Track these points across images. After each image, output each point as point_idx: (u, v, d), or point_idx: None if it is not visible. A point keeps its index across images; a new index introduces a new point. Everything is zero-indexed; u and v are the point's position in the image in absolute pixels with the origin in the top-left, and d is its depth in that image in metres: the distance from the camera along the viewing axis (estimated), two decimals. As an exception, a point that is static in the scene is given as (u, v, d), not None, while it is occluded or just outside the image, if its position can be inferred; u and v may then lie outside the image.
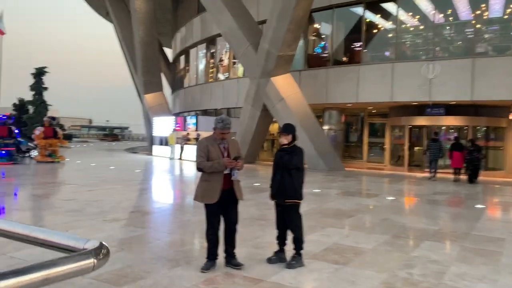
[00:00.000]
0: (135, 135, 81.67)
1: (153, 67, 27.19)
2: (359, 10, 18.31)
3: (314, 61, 20.03)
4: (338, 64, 19.03)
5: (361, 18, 18.25)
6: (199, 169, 4.38)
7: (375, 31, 18.58)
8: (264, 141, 21.21)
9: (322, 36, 20.40)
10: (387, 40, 18.47)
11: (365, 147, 21.03)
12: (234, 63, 24.30)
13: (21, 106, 40.90)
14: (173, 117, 23.77)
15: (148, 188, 11.63)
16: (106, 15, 34.84)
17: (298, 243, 4.55)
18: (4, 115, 17.52)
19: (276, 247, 4.69)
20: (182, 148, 21.82)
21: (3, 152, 17.10)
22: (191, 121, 21.66)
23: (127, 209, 7.77)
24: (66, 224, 6.21)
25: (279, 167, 4.59)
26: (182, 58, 30.70)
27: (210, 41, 25.71)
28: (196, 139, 22.20)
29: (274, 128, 21.60)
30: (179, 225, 6.79)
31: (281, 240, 4.66)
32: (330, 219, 7.13)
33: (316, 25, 20.34)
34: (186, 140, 21.82)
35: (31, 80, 39.23)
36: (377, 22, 18.54)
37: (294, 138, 4.65)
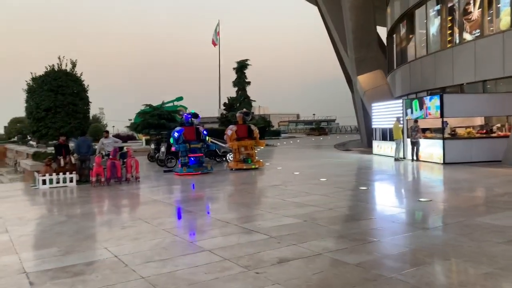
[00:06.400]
0: (343, 128, 77.71)
1: (368, 37, 20.96)
2: None
3: None
4: None
5: None
6: None
7: None
8: None
9: None
10: None
11: None
12: (491, 12, 16.06)
13: (230, 105, 40.23)
14: (401, 100, 17.05)
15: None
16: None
17: None
18: (189, 114, 14.08)
19: None
20: (415, 144, 15.07)
21: (192, 159, 13.68)
22: (431, 103, 14.60)
23: None
24: None
25: None
26: (402, 26, 23.45)
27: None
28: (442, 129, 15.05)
29: None
30: None
31: None
32: None
33: None
34: (417, 131, 14.89)
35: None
36: None
37: None
